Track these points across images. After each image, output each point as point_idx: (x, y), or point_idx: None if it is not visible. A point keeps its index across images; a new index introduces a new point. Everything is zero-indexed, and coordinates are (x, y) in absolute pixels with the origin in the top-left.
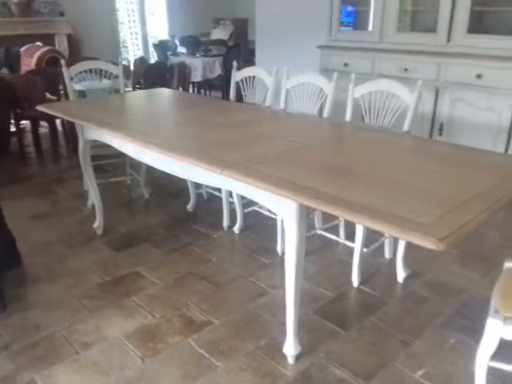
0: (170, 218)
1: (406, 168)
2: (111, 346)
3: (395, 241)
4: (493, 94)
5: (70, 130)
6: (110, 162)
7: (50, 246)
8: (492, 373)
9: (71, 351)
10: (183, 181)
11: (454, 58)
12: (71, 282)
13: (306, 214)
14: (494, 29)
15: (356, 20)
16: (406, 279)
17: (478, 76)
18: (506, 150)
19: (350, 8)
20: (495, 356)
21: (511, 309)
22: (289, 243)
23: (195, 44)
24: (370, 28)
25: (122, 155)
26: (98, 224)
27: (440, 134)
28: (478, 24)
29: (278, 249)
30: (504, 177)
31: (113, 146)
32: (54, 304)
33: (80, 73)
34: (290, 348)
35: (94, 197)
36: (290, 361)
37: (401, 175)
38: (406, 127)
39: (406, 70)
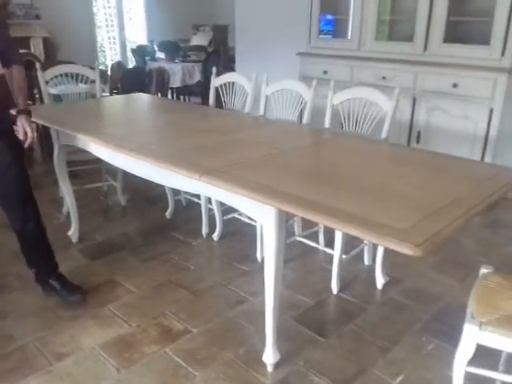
0: (147, 226)
1: (383, 174)
2: (86, 357)
3: (374, 247)
4: (469, 103)
5: (45, 134)
6: (86, 168)
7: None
8: (469, 378)
9: (45, 362)
10: (161, 187)
11: (430, 66)
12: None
13: (284, 220)
14: (469, 38)
15: (335, 28)
16: (385, 286)
17: (454, 85)
18: (482, 157)
19: (329, 16)
20: (472, 361)
21: (487, 314)
22: (268, 249)
23: (174, 49)
24: (349, 36)
25: (98, 161)
26: (73, 231)
27: (417, 142)
28: (454, 34)
29: (258, 256)
30: (479, 183)
31: (89, 151)
32: (27, 314)
33: (56, 77)
34: (269, 356)
35: (69, 203)
36: (269, 369)
37: (379, 181)
38: (383, 134)
39: (384, 78)
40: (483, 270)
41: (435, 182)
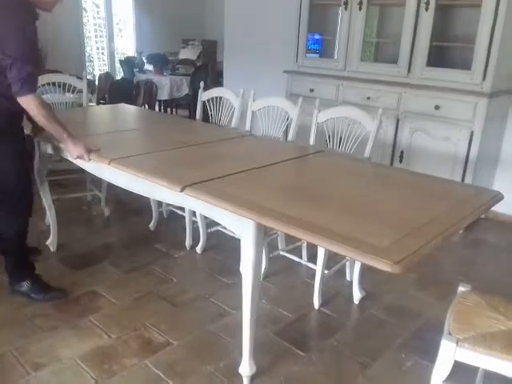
0: (130, 237)
1: (365, 192)
2: (64, 368)
3: (356, 263)
4: (450, 125)
5: (28, 142)
6: (70, 177)
7: (1, 263)
8: None
9: (22, 372)
10: (146, 198)
11: (413, 88)
12: (24, 301)
13: (263, 234)
14: (451, 63)
15: (322, 48)
16: (365, 302)
17: (436, 107)
18: (463, 178)
19: (317, 36)
20: (450, 378)
21: (464, 331)
22: (245, 262)
23: (163, 62)
24: (336, 56)
25: (82, 170)
26: (51, 241)
27: (400, 161)
28: (437, 58)
29: (241, 269)
30: (458, 203)
31: (71, 161)
32: (5, 323)
33: (43, 85)
34: (246, 368)
35: (48, 212)
36: (246, 382)
37: (360, 199)
38: (366, 153)
39: (368, 98)
40: (461, 289)
41: (415, 200)
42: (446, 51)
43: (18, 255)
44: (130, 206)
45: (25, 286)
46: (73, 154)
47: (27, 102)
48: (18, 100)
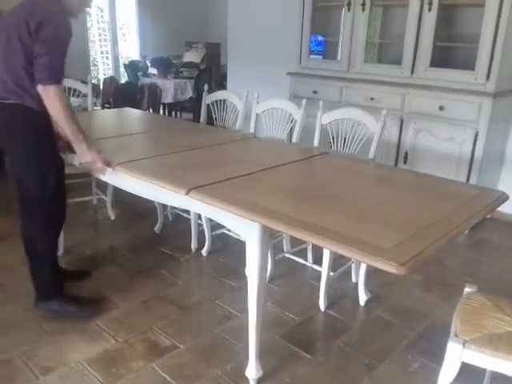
0: (136, 240)
1: (370, 194)
2: (72, 371)
3: (362, 265)
4: (454, 126)
5: None
6: (76, 182)
7: (9, 266)
8: None
9: (31, 376)
10: (151, 202)
11: (417, 89)
12: (32, 305)
13: (268, 236)
14: (455, 63)
15: (326, 49)
16: (371, 303)
17: (441, 108)
18: (468, 179)
19: (320, 37)
20: (457, 379)
21: (470, 332)
22: (251, 265)
23: (167, 65)
24: (339, 58)
25: (88, 174)
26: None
27: (405, 162)
28: (441, 58)
29: (247, 272)
30: (462, 204)
31: (76, 165)
32: (13, 327)
33: None
34: (252, 371)
35: None
36: None
37: (365, 201)
38: (371, 154)
39: (372, 99)
40: (467, 289)
41: (420, 202)
42: (450, 51)
43: (41, 271)
44: (135, 209)
45: (54, 304)
46: (85, 157)
47: (51, 92)
48: (38, 88)
